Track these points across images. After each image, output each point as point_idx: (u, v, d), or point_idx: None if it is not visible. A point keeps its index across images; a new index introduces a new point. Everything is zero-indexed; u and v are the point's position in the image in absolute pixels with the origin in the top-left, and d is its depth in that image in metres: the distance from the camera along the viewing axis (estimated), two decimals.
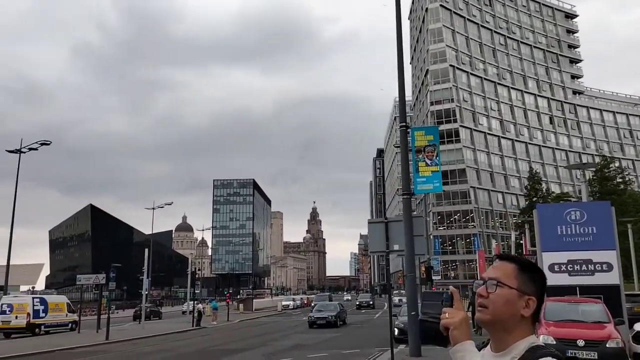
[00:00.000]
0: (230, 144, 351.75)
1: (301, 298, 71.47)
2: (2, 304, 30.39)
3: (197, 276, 52.01)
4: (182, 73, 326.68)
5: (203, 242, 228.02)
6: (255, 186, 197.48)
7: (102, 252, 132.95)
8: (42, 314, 30.61)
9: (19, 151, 43.46)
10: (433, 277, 50.16)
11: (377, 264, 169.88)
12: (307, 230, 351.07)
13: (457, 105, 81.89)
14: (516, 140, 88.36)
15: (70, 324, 33.00)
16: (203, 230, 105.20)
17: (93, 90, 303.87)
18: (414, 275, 16.36)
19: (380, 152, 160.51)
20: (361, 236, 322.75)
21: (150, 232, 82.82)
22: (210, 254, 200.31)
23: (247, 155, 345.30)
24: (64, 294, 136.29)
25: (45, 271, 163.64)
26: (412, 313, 15.33)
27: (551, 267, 15.58)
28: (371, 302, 57.86)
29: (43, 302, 31.63)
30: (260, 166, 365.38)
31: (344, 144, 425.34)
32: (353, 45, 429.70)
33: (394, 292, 50.73)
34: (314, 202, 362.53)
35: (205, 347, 21.72)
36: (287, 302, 61.22)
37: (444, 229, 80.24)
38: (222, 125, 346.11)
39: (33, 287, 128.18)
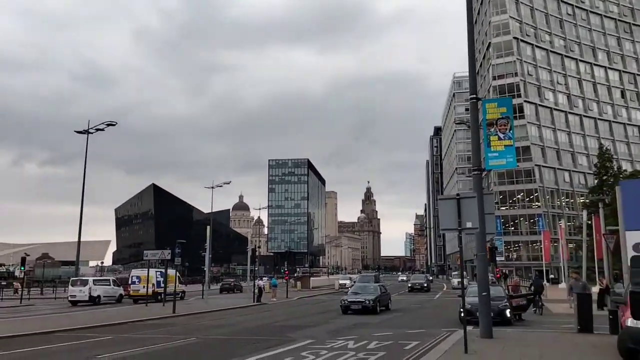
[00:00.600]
0: (286, 125, 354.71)
1: (357, 277, 71.37)
2: (132, 276, 38.02)
3: (256, 254, 52.82)
4: (239, 55, 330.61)
5: (259, 221, 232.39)
6: (310, 166, 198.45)
7: (164, 230, 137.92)
8: (162, 285, 34.50)
9: (86, 132, 45.13)
10: (497, 258, 48.45)
11: (434, 244, 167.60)
12: (361, 210, 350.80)
13: (521, 80, 78.48)
14: (584, 116, 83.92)
15: (180, 294, 36.85)
16: (260, 209, 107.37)
17: (154, 74, 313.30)
18: (485, 255, 15.67)
19: (438, 130, 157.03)
20: (417, 216, 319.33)
21: (210, 211, 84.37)
22: (266, 232, 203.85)
23: (302, 136, 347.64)
24: (130, 269, 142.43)
25: (112, 247, 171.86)
26: (484, 293, 14.71)
27: (635, 247, 14.50)
28: (425, 285, 52.18)
29: (162, 274, 35.82)
30: (315, 146, 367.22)
31: (399, 123, 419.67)
32: (409, 21, 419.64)
33: (453, 273, 48.86)
34: (368, 182, 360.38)
35: (268, 322, 21.86)
36: (344, 281, 61.24)
37: (507, 208, 77.74)
38: (278, 105, 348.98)
39: (102, 263, 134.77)
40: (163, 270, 36.02)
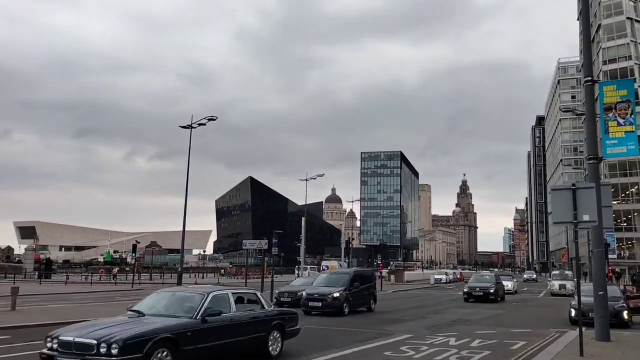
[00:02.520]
0: (379, 117, 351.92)
1: (454, 272, 69.45)
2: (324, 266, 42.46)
3: (349, 246, 52.92)
4: (333, 49, 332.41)
5: (351, 214, 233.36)
6: (403, 158, 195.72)
7: (260, 221, 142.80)
8: None
9: (190, 127, 47.54)
10: (609, 255, 44.90)
11: (535, 240, 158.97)
12: (456, 204, 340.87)
13: (635, 63, 71.73)
14: None
15: None
16: (352, 201, 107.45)
17: (252, 71, 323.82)
18: (602, 251, 14.38)
19: (540, 120, 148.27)
20: (517, 210, 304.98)
21: (304, 203, 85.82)
22: (358, 225, 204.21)
23: (395, 128, 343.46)
24: (229, 258, 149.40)
25: (213, 237, 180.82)
26: (600, 292, 13.51)
27: None
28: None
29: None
30: (409, 139, 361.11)
31: (498, 113, 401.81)
32: (508, 8, 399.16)
33: (553, 272, 46.07)
34: (464, 175, 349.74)
35: (363, 314, 21.68)
36: (440, 276, 59.80)
37: (618, 202, 71.68)
38: (371, 98, 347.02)
39: (204, 251, 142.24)
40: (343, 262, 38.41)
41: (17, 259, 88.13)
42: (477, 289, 29.31)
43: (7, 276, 50.66)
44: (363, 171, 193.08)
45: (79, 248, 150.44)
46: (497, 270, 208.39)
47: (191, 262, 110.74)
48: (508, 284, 35.76)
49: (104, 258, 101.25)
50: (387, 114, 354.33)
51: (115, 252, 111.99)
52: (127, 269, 71.19)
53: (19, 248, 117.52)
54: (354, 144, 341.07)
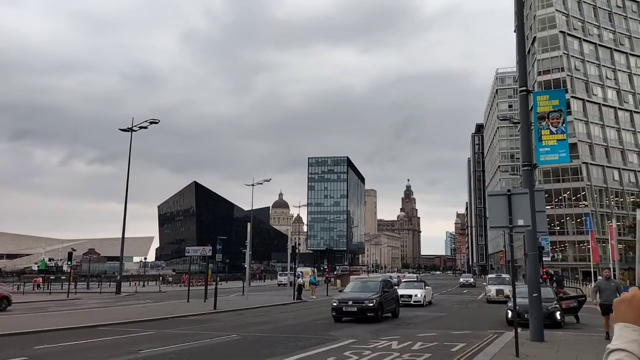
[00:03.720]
0: (328, 123, 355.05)
1: (398, 276, 70.65)
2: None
3: (296, 251, 52.82)
4: (282, 54, 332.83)
5: (299, 219, 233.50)
6: (349, 164, 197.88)
7: (205, 226, 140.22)
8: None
9: (130, 130, 46.17)
10: (543, 258, 46.93)
11: (475, 243, 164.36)
12: (401, 209, 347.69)
13: (567, 75, 75.71)
14: (635, 112, 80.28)
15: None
16: (299, 206, 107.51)
17: (200, 74, 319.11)
18: (536, 254, 15.01)
19: (480, 128, 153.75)
20: (458, 215, 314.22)
21: (250, 208, 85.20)
22: (305, 230, 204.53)
23: (343, 134, 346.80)
24: (172, 265, 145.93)
25: (155, 244, 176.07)
26: (534, 295, 14.06)
27: None
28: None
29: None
30: (356, 144, 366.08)
31: (442, 120, 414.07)
32: (454, 18, 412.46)
33: (489, 276, 42.52)
34: (408, 180, 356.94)
35: (309, 320, 21.66)
36: None
37: (552, 207, 75.24)
38: (320, 104, 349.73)
39: (145, 258, 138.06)
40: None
41: None
42: (350, 303, 20.38)
43: None
44: (310, 176, 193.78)
45: (10, 256, 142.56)
46: (438, 273, 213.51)
47: (132, 270, 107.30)
48: (417, 293, 28.31)
49: (38, 266, 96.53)
50: (335, 120, 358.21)
51: (50, 260, 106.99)
52: (62, 277, 68.11)
53: None
54: (303, 149, 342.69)
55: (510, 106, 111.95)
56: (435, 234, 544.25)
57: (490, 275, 40.20)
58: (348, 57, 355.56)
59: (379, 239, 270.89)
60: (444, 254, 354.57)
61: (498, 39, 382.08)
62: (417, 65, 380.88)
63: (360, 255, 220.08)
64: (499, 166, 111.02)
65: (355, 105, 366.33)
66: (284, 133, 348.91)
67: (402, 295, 26.36)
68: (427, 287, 30.99)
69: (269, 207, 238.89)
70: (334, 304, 20.61)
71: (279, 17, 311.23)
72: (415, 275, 64.52)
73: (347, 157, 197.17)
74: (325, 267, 61.93)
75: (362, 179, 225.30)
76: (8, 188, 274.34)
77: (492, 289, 31.91)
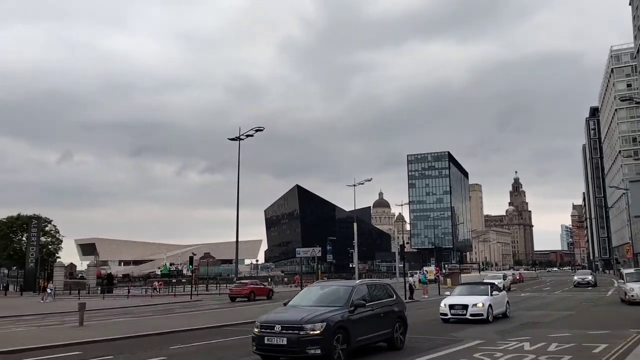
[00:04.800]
0: (426, 119, 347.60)
1: (512, 273, 67.19)
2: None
3: (404, 250, 52.06)
4: (376, 54, 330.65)
5: (400, 218, 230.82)
6: (451, 159, 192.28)
7: (309, 228, 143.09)
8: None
9: (238, 139, 48.20)
10: None
11: (596, 236, 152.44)
12: (509, 203, 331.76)
13: None
14: None
15: None
16: (402, 205, 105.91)
17: (297, 81, 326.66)
18: None
19: (594, 111, 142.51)
20: (574, 206, 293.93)
21: (352, 209, 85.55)
22: (408, 228, 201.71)
23: (443, 129, 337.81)
24: (280, 266, 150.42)
25: (264, 246, 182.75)
26: None
27: None
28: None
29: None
30: (457, 139, 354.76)
31: (549, 107, 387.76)
32: None
33: (626, 271, 32.95)
34: (516, 172, 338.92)
35: (426, 320, 21.07)
36: (498, 280, 57.90)
37: None
38: (416, 100, 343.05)
39: (257, 260, 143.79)
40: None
41: (79, 275, 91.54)
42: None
43: (72, 292, 52.61)
44: (410, 174, 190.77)
45: (137, 262, 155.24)
46: (554, 269, 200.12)
47: (244, 272, 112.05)
48: (476, 302, 19.33)
49: (161, 271, 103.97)
50: (434, 115, 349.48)
51: (171, 264, 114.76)
52: (183, 280, 72.72)
53: (81, 264, 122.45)
54: (401, 147, 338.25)
55: (629, 85, 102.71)
56: (549, 228, 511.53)
57: (628, 271, 32.76)
58: (444, 50, 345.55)
59: (487, 235, 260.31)
60: (559, 248, 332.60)
61: (607, 15, 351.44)
62: (520, 51, 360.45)
63: (467, 253, 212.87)
64: (619, 151, 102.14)
65: (454, 98, 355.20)
66: (381, 132, 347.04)
67: (452, 306, 19.44)
68: (495, 294, 20.51)
69: (369, 207, 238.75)
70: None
71: (371, 17, 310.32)
72: (535, 272, 58.20)
73: (448, 152, 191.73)
74: (436, 265, 60.35)
75: (466, 174, 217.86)
76: (132, 200, 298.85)
77: (635, 287, 24.99)
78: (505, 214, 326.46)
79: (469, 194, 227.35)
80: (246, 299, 36.11)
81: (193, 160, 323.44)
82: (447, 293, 27.51)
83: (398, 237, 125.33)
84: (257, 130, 46.94)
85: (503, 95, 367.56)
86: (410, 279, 37.60)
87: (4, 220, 74.80)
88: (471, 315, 18.82)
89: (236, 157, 47.67)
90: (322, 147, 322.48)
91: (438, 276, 47.04)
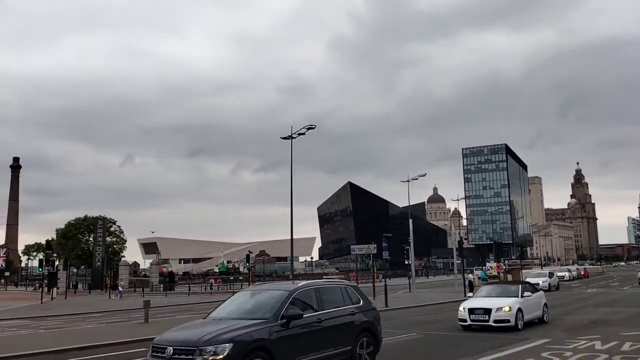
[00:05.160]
0: (480, 111, 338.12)
1: (577, 268, 64.67)
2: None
3: (462, 246, 50.94)
4: (427, 47, 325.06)
5: (456, 213, 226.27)
6: (508, 151, 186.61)
7: (362, 225, 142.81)
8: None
9: (290, 137, 48.64)
10: None
11: None
12: (571, 195, 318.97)
13: None
14: None
15: None
16: (458, 200, 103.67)
17: (348, 78, 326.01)
18: None
19: None
20: None
21: (407, 204, 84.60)
22: (465, 224, 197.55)
23: (499, 121, 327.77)
24: (334, 263, 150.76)
25: (317, 243, 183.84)
26: None
27: None
28: None
29: None
30: (515, 131, 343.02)
31: (612, 95, 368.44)
32: None
33: None
34: (578, 164, 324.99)
35: None
36: (562, 273, 55.92)
37: None
38: (470, 93, 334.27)
39: (312, 258, 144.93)
40: None
41: (143, 273, 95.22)
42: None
43: (136, 290, 54.73)
44: (466, 168, 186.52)
45: (196, 260, 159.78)
46: (621, 263, 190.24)
47: (298, 269, 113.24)
48: (502, 305, 16.07)
49: (219, 268, 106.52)
50: (488, 107, 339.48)
51: (228, 262, 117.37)
52: (240, 278, 74.18)
53: (144, 263, 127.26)
54: (455, 141, 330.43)
55: None
56: (615, 221, 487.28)
57: None
58: (498, 40, 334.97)
59: (549, 230, 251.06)
60: (626, 242, 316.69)
61: None
62: (578, 38, 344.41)
63: (528, 248, 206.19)
64: None
65: (510, 89, 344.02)
66: (434, 126, 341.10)
67: (472, 310, 16.13)
68: (527, 295, 16.93)
69: (424, 202, 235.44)
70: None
71: (422, 10, 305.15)
72: (601, 267, 55.66)
73: (505, 145, 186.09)
74: (495, 261, 58.79)
75: (524, 167, 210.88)
76: (189, 200, 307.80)
77: None
78: (567, 207, 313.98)
79: (528, 187, 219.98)
80: None
81: (247, 160, 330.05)
82: (470, 294, 25.90)
83: (454, 233, 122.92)
84: (308, 129, 47.02)
85: (562, 84, 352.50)
86: (470, 275, 36.79)
87: (72, 221, 78.61)
88: (495, 321, 15.59)
89: (289, 156, 48.09)
90: (374, 143, 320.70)
91: (499, 272, 45.72)
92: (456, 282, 45.91)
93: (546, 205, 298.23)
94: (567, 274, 55.85)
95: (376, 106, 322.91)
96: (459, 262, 44.22)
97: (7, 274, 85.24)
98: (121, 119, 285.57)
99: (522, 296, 16.65)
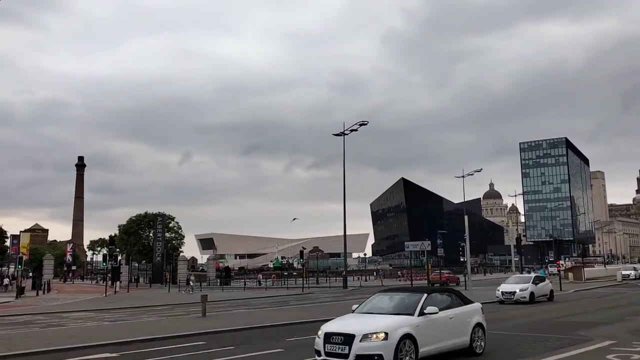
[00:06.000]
0: (538, 104, 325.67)
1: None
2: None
3: (520, 243, 49.52)
4: (483, 39, 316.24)
5: (514, 209, 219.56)
6: (569, 145, 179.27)
7: (416, 221, 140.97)
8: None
9: (342, 134, 48.70)
10: None
11: None
12: (637, 190, 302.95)
13: None
14: None
15: None
16: (515, 195, 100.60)
17: (400, 73, 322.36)
18: None
19: None
20: None
21: (462, 200, 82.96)
22: (523, 220, 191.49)
23: (558, 114, 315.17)
24: (388, 260, 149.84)
25: (370, 240, 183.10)
26: None
27: None
28: None
29: None
30: (575, 123, 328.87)
31: None
32: None
33: None
34: None
35: (549, 318, 19.85)
36: (627, 272, 53.30)
37: None
38: (527, 85, 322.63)
39: (364, 254, 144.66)
40: None
41: (200, 268, 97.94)
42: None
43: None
44: (523, 162, 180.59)
45: (251, 255, 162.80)
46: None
47: (352, 265, 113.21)
48: (380, 329, 9.80)
49: (273, 264, 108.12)
50: (548, 100, 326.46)
51: (282, 257, 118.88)
52: (294, 273, 75.02)
53: (201, 258, 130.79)
54: (512, 135, 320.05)
55: None
56: None
57: None
58: (557, 30, 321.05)
59: (612, 226, 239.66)
60: None
61: None
62: None
63: (590, 245, 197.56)
64: None
65: (569, 80, 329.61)
66: (489, 120, 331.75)
67: (329, 337, 10.10)
68: (430, 312, 10.52)
69: (479, 198, 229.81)
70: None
71: (477, 2, 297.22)
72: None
73: (566, 138, 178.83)
74: (556, 259, 56.72)
75: (586, 161, 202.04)
76: (243, 197, 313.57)
77: None
78: (632, 203, 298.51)
79: (590, 182, 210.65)
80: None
81: (299, 157, 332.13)
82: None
83: (512, 230, 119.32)
84: (360, 125, 47.09)
85: (626, 73, 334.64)
86: (532, 274, 35.69)
87: (134, 218, 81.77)
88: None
89: (341, 152, 48.16)
90: (427, 138, 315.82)
91: (559, 271, 43.99)
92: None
93: (609, 201, 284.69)
94: (632, 272, 53.15)
95: (429, 100, 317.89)
96: (517, 259, 42.86)
97: (73, 267, 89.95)
98: (178, 119, 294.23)
99: (421, 314, 10.40)
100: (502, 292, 27.66)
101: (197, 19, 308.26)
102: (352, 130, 47.56)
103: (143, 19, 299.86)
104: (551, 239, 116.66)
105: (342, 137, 48.19)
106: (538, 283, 28.14)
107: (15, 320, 22.67)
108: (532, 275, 31.40)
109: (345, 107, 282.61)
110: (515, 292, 26.94)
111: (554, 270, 44.16)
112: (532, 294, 26.98)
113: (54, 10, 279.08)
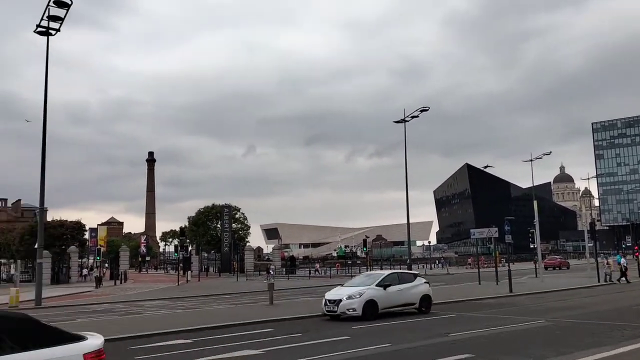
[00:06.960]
0: (615, 81, 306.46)
1: None
2: None
3: (595, 228, 47.14)
4: (553, 15, 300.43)
5: (587, 193, 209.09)
6: None
7: (482, 208, 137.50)
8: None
9: (403, 121, 48.00)
10: None
11: None
12: None
13: None
14: None
15: None
16: (588, 178, 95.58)
17: (463, 55, 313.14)
18: None
19: None
20: None
21: (531, 185, 79.88)
22: (597, 204, 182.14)
23: (636, 91, 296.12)
24: (453, 247, 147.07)
25: (434, 227, 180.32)
26: None
27: None
28: None
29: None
30: None
31: None
32: None
33: None
34: None
35: (626, 305, 18.91)
36: None
37: None
38: (603, 61, 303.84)
39: (429, 242, 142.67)
40: None
41: (266, 257, 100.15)
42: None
43: (261, 273, 57.78)
44: (597, 144, 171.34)
45: (315, 245, 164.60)
46: None
47: (416, 253, 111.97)
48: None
49: (337, 253, 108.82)
50: (625, 76, 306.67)
51: (346, 246, 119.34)
52: (358, 262, 75.21)
53: (267, 248, 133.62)
54: (584, 116, 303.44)
55: None
56: None
57: None
58: (635, 1, 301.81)
59: None
60: None
61: None
62: None
63: None
64: None
65: None
66: (559, 100, 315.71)
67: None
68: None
69: (549, 182, 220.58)
70: None
71: None
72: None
73: None
74: (633, 244, 53.64)
75: None
76: (307, 187, 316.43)
77: None
78: None
79: None
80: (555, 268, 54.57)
81: (361, 146, 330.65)
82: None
83: (585, 214, 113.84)
84: (422, 111, 46.13)
85: None
86: (623, 260, 33.99)
87: (202, 209, 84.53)
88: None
89: (403, 140, 47.53)
90: (493, 122, 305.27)
91: (637, 256, 41.61)
92: (588, 266, 42.66)
93: None
94: None
95: (494, 83, 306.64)
96: (591, 245, 41.00)
97: (147, 258, 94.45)
98: (243, 112, 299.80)
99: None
100: (327, 300, 17.50)
101: (259, 12, 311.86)
102: (413, 117, 46.64)
103: (207, 15, 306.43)
104: (628, 223, 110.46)
105: (403, 124, 47.53)
106: (389, 285, 17.52)
107: (97, 309, 24.19)
108: (384, 273, 19.17)
109: (406, 93, 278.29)
110: (341, 300, 16.88)
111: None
112: (369, 304, 16.71)
113: (121, 12, 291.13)
